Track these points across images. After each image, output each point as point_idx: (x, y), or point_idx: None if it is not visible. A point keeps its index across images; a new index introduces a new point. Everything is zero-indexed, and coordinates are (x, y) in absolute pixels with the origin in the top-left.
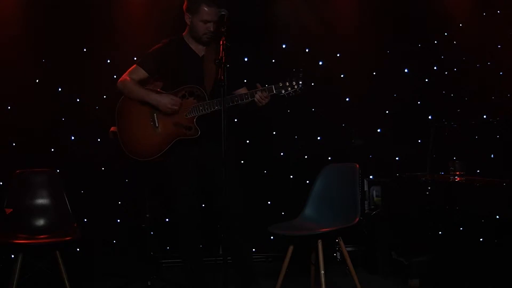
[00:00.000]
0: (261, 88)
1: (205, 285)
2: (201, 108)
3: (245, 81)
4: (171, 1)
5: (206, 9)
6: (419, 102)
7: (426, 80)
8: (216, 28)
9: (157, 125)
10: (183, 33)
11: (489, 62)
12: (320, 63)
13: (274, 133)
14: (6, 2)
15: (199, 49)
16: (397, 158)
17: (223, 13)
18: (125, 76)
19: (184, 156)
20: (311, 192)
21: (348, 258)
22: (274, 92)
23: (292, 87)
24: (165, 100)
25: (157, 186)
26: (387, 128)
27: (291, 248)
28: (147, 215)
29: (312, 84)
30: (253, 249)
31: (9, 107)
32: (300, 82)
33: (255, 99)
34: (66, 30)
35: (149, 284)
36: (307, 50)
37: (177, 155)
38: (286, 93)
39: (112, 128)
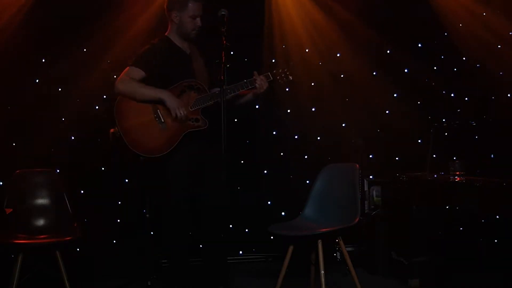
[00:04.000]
0: (258, 75)
1: (190, 285)
2: (203, 99)
3: (244, 80)
4: None
5: (192, 4)
6: (419, 102)
7: (426, 80)
8: (207, 24)
9: (163, 120)
10: (166, 33)
11: (489, 62)
12: (320, 63)
13: (274, 133)
14: (6, 2)
15: (185, 47)
16: (397, 158)
17: (223, 13)
18: (123, 77)
19: (183, 153)
20: (311, 192)
21: (348, 258)
22: (271, 78)
23: (285, 73)
24: (176, 103)
25: (156, 186)
26: (387, 128)
27: (291, 248)
28: (147, 215)
29: (312, 84)
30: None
31: (9, 107)
32: (292, 65)
33: (256, 85)
34: (66, 30)
35: (149, 284)
36: (307, 50)
37: (176, 151)
38: (280, 79)
39: (112, 130)
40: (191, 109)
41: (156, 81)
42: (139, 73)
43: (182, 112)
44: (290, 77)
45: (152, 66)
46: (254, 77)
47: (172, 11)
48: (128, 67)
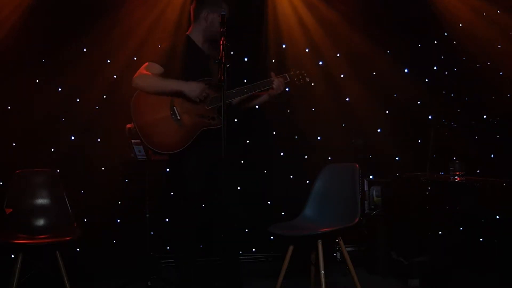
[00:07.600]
0: (275, 75)
1: (197, 285)
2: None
3: (245, 80)
4: (171, 1)
5: (224, 5)
6: (419, 102)
7: (426, 80)
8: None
9: (178, 117)
10: (187, 32)
11: (489, 62)
12: (320, 63)
13: (274, 133)
14: (6, 2)
15: (205, 47)
16: (397, 158)
17: (223, 13)
18: (142, 71)
19: (197, 151)
20: (311, 192)
21: (348, 258)
22: (288, 79)
23: (302, 74)
24: (194, 87)
25: (157, 186)
26: (387, 128)
27: (291, 248)
28: (147, 215)
29: (312, 84)
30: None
31: (9, 107)
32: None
33: (273, 86)
34: (66, 30)
35: (149, 284)
36: (307, 50)
37: (192, 152)
38: (297, 80)
39: (128, 125)
40: (208, 107)
41: (174, 78)
42: (157, 68)
43: (203, 96)
44: (307, 79)
45: (171, 63)
46: (271, 77)
47: (203, 10)
48: (146, 63)
